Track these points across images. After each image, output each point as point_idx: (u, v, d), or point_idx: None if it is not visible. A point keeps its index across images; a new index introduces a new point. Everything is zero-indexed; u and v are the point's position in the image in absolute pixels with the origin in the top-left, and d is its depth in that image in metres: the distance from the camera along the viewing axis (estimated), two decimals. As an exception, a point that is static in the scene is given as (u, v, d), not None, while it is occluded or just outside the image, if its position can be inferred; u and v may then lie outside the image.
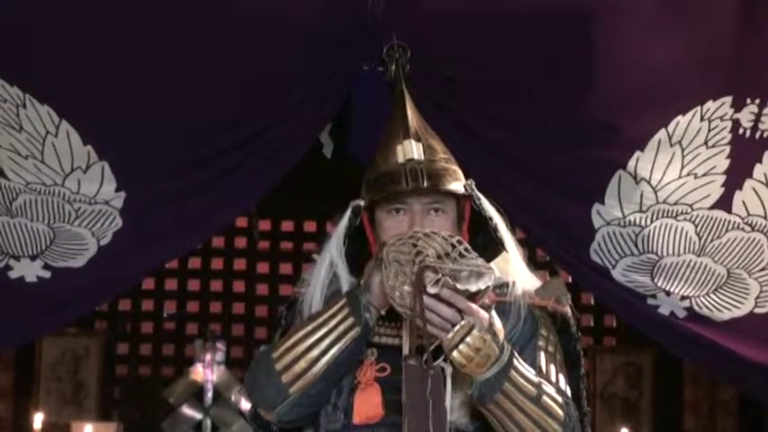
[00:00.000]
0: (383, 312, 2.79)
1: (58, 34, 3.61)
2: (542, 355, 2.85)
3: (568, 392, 2.83)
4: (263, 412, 2.87)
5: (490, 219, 2.93)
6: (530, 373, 2.72)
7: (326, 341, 2.78)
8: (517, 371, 2.68)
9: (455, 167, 2.94)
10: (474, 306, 2.62)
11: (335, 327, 2.78)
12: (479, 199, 2.94)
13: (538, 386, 2.71)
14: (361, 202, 2.93)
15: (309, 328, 2.81)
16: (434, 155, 2.94)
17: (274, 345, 2.86)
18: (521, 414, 2.67)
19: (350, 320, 2.77)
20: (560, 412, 2.72)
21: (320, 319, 2.81)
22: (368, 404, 2.78)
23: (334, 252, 2.95)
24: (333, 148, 4.23)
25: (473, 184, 2.95)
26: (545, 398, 2.71)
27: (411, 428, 2.60)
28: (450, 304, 2.61)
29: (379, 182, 2.90)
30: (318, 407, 2.85)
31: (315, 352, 2.78)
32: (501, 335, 2.67)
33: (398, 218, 2.87)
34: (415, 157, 2.91)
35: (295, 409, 2.81)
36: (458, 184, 2.90)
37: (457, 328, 2.61)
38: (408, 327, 2.73)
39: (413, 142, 2.94)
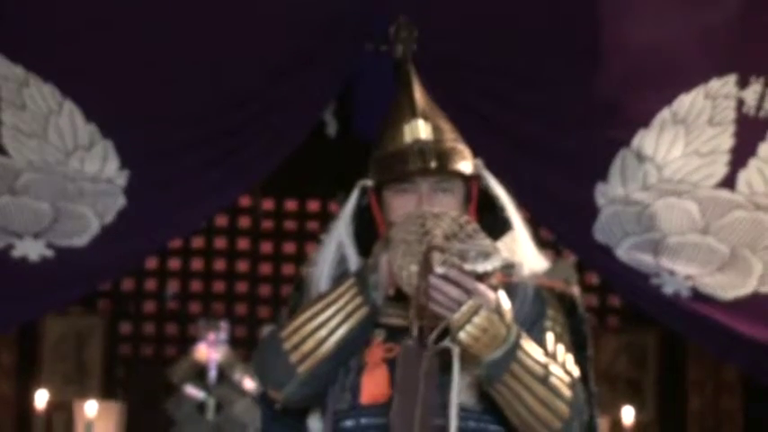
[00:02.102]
0: (391, 292, 2.79)
1: (60, 13, 3.62)
2: (550, 336, 2.85)
3: (576, 373, 2.82)
4: (272, 392, 2.87)
5: (497, 198, 2.94)
6: (537, 353, 2.72)
7: (334, 321, 2.78)
8: (525, 351, 2.68)
9: (463, 147, 2.94)
10: (481, 286, 2.62)
11: (343, 306, 2.78)
12: (487, 179, 2.94)
13: (545, 366, 2.71)
14: (369, 182, 2.94)
15: (317, 307, 2.81)
16: (442, 135, 2.94)
17: (282, 325, 2.87)
18: (528, 394, 2.68)
19: (357, 300, 2.77)
20: (568, 392, 2.73)
21: (328, 299, 2.81)
22: (375, 384, 2.78)
23: (341, 232, 2.95)
24: (337, 128, 4.24)
25: (481, 163, 2.95)
26: (552, 378, 2.71)
27: (397, 409, 2.61)
28: (457, 285, 2.61)
29: (387, 162, 2.90)
30: (326, 387, 2.85)
31: (323, 332, 2.78)
32: (509, 315, 2.67)
33: (406, 198, 2.87)
34: (423, 137, 2.91)
35: (303, 389, 2.82)
36: (466, 163, 2.90)
37: (464, 308, 2.60)
38: (415, 307, 2.73)
39: (420, 122, 2.94)
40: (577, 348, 2.92)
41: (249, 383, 6.95)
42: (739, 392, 7.46)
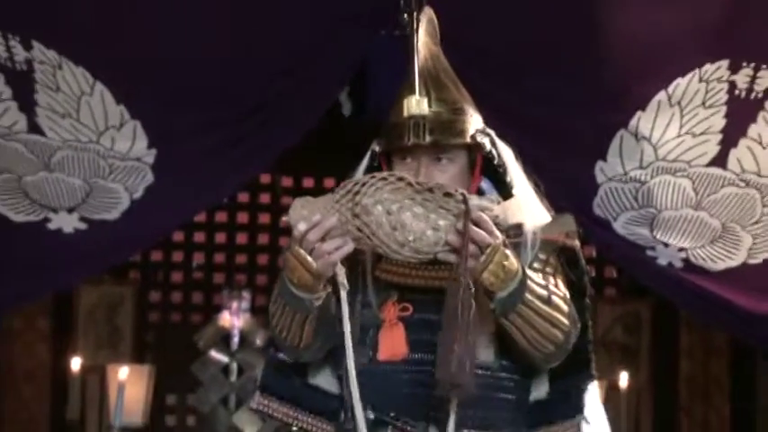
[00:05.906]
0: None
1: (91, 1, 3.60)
2: (540, 274, 2.80)
3: (564, 291, 2.80)
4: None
5: (499, 167, 2.89)
6: (537, 278, 2.73)
7: (295, 323, 2.74)
8: (530, 279, 2.68)
9: (464, 117, 2.88)
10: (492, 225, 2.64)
11: (294, 314, 2.74)
12: (486, 147, 2.89)
13: (546, 287, 2.72)
14: (377, 148, 2.93)
15: (278, 312, 2.79)
16: (441, 107, 2.89)
17: (271, 310, 2.84)
18: (537, 316, 2.67)
19: (300, 314, 2.74)
20: (565, 307, 2.73)
21: (279, 309, 2.78)
22: (392, 342, 2.74)
23: None
24: (351, 108, 4.23)
25: (485, 130, 2.91)
26: (554, 297, 2.71)
27: (442, 338, 2.60)
28: (485, 229, 2.62)
29: (389, 132, 2.90)
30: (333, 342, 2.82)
31: (294, 329, 2.75)
32: (510, 249, 2.67)
33: (408, 166, 2.85)
34: (418, 112, 2.87)
35: (315, 354, 2.83)
36: (464, 134, 2.86)
37: (489, 249, 2.60)
38: (463, 256, 2.62)
39: (415, 97, 2.90)
40: (578, 298, 2.86)
41: (269, 349, 6.96)
42: (728, 357, 7.46)
